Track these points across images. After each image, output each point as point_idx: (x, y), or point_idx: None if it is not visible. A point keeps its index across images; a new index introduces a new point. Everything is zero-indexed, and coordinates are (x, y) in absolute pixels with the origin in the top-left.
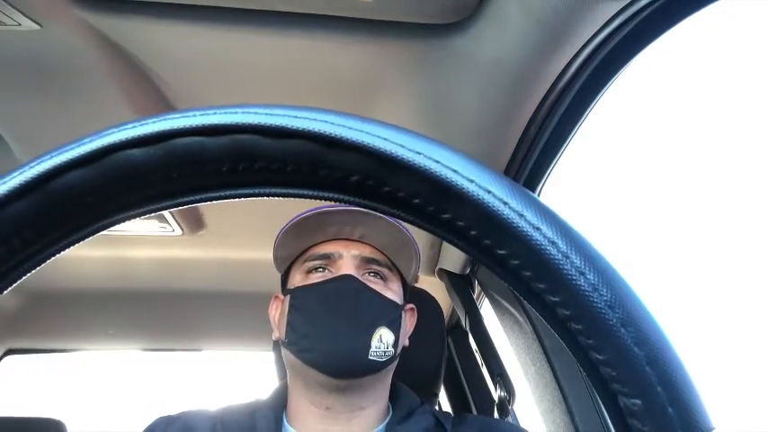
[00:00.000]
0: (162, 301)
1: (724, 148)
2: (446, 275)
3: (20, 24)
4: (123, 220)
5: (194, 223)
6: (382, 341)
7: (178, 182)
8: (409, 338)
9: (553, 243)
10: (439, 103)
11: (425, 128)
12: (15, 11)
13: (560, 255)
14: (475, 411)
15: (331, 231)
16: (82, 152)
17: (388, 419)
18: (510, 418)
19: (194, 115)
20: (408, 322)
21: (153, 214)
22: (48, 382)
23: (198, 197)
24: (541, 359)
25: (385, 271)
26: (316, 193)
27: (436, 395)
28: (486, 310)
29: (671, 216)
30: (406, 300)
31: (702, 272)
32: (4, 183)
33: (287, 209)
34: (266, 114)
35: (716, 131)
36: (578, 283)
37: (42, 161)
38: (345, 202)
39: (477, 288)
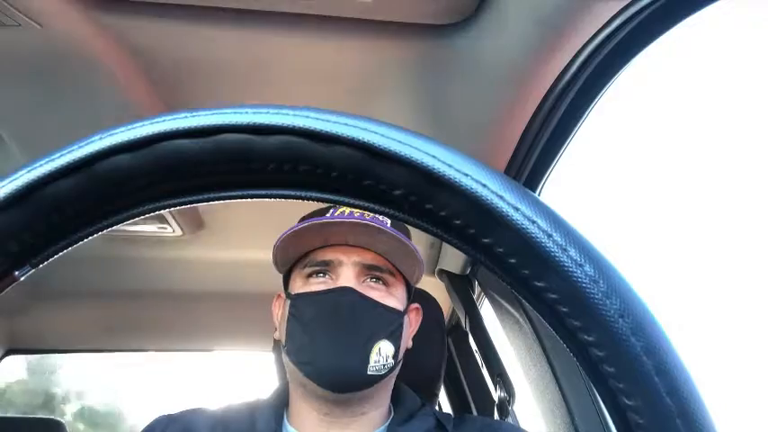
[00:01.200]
0: (161, 302)
1: (724, 147)
2: (446, 276)
3: (20, 24)
4: (160, 209)
5: (194, 223)
6: (381, 354)
7: (223, 176)
8: (412, 337)
9: (596, 282)
10: (439, 103)
11: (426, 128)
12: (15, 11)
13: (588, 278)
14: (475, 412)
15: (333, 238)
16: (134, 136)
17: (389, 421)
18: (510, 419)
19: (246, 113)
20: (413, 322)
21: (153, 215)
22: (49, 383)
23: (238, 193)
24: (542, 360)
25: (387, 276)
26: (354, 202)
27: (436, 395)
28: (486, 310)
29: (671, 215)
30: (410, 300)
31: (702, 271)
32: (51, 161)
33: (287, 209)
34: (317, 119)
35: (716, 131)
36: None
37: (91, 142)
38: (383, 214)
39: (478, 288)
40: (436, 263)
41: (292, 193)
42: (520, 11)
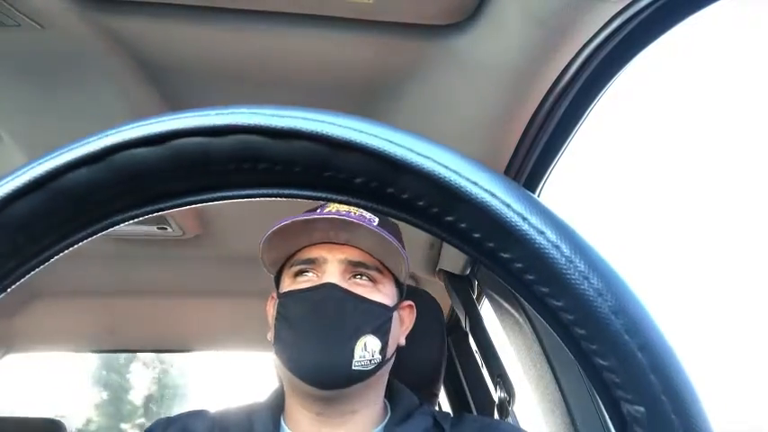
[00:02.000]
0: (162, 302)
1: (724, 147)
2: (446, 276)
3: (20, 25)
4: (126, 220)
5: (194, 224)
6: (367, 349)
7: (184, 181)
8: (409, 339)
9: (557, 247)
10: (439, 104)
11: (425, 128)
12: (16, 11)
13: (564, 259)
14: (475, 412)
15: (316, 236)
16: (88, 150)
17: (385, 421)
18: (510, 419)
19: (200, 115)
20: (405, 320)
21: (153, 215)
22: (49, 383)
23: (203, 197)
24: (542, 360)
25: (373, 273)
26: (319, 195)
27: (436, 396)
28: (486, 310)
29: (671, 215)
30: (402, 298)
31: (702, 271)
32: (8, 182)
33: (287, 210)
34: (271, 116)
35: (715, 131)
36: (583, 287)
37: (46, 160)
38: (349, 204)
39: (477, 289)
40: (436, 263)
41: (257, 192)
42: (520, 11)
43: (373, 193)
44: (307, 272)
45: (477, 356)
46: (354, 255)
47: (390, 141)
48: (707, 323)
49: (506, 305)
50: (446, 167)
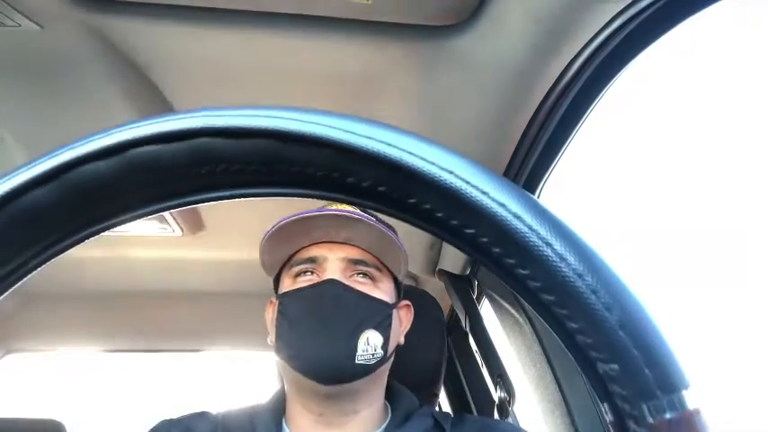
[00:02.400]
0: (162, 302)
1: (724, 148)
2: (446, 276)
3: (20, 25)
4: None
5: (194, 224)
6: (369, 344)
7: (146, 190)
8: (409, 339)
9: (518, 217)
10: (439, 105)
11: (425, 129)
12: (16, 12)
13: (526, 227)
14: (475, 412)
15: (315, 235)
16: (41, 171)
17: (386, 423)
18: (510, 419)
19: (149, 124)
20: (403, 319)
21: (153, 216)
22: (49, 383)
23: (172, 203)
24: (542, 360)
25: (373, 271)
26: (285, 191)
27: (436, 396)
28: (486, 310)
29: (671, 216)
30: (400, 297)
31: (702, 271)
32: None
33: (287, 210)
34: (220, 116)
35: (716, 132)
36: (545, 253)
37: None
38: (313, 197)
39: (477, 289)
40: (436, 263)
41: (219, 194)
42: (520, 12)
43: (333, 183)
44: (307, 272)
45: (477, 356)
46: (354, 253)
47: (335, 128)
48: (708, 323)
49: (506, 305)
50: (403, 150)
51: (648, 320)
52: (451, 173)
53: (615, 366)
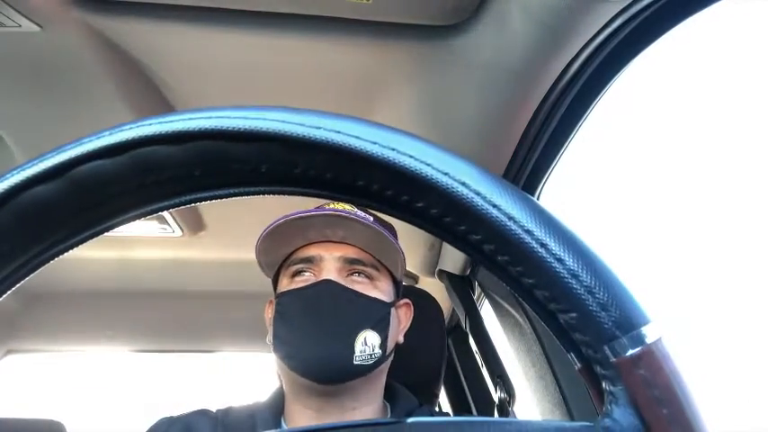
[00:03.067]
0: (162, 302)
1: (724, 148)
2: (446, 276)
3: (20, 26)
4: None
5: (194, 224)
6: (367, 344)
7: (152, 189)
8: (409, 339)
9: (478, 193)
10: (439, 105)
11: (425, 129)
12: (16, 12)
13: (480, 198)
14: (475, 412)
15: (312, 235)
16: (45, 167)
17: None
18: None
19: (156, 123)
20: (403, 318)
21: (153, 216)
22: (49, 383)
23: (174, 202)
24: (542, 360)
25: (370, 270)
26: (297, 190)
27: (436, 396)
28: (487, 311)
29: (671, 216)
30: (399, 296)
31: (702, 271)
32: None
33: (287, 209)
34: (230, 118)
35: (716, 132)
36: (491, 213)
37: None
38: (322, 197)
39: (478, 289)
40: (436, 264)
41: (224, 192)
42: (520, 12)
43: (335, 183)
44: (304, 271)
45: (478, 357)
46: (351, 252)
47: (339, 132)
48: (709, 323)
49: (506, 305)
50: (399, 152)
51: (601, 265)
52: (437, 170)
53: (573, 314)
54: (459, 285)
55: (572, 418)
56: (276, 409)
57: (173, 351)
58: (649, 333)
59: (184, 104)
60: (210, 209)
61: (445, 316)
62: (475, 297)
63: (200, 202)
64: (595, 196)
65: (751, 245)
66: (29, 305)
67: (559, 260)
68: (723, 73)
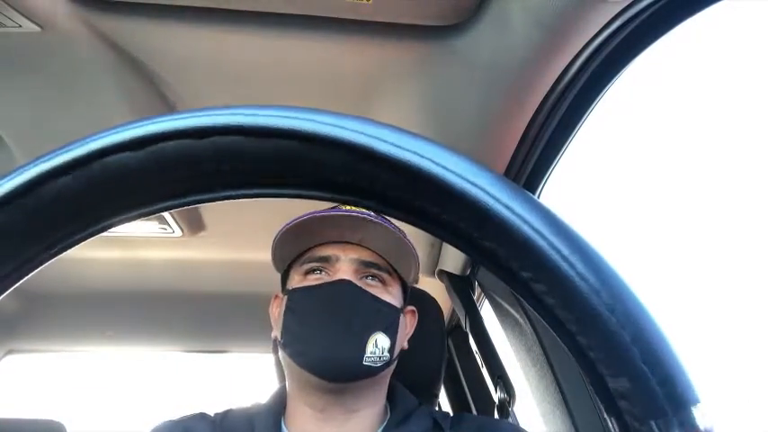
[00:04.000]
0: (162, 302)
1: (724, 148)
2: (446, 276)
3: (20, 26)
4: (119, 223)
5: (194, 224)
6: (378, 346)
7: (170, 185)
8: (410, 339)
9: (538, 232)
10: (439, 105)
11: (426, 129)
12: (16, 12)
13: (547, 244)
14: (475, 412)
15: (332, 234)
16: (69, 158)
17: (385, 422)
18: (510, 420)
19: (182, 118)
20: (408, 324)
21: (153, 216)
22: (49, 383)
23: (187, 200)
24: (542, 361)
25: (384, 275)
26: (304, 193)
27: (436, 396)
28: (487, 311)
29: (671, 216)
30: (407, 302)
31: (703, 271)
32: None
33: (287, 210)
34: (249, 115)
35: (716, 132)
36: (564, 268)
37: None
38: (336, 201)
39: (478, 289)
40: (436, 263)
41: (235, 192)
42: (520, 12)
43: (349, 186)
44: (318, 270)
45: (478, 357)
46: (367, 255)
47: (362, 133)
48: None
49: (506, 306)
50: (424, 157)
51: (661, 336)
52: (482, 188)
53: (625, 382)
54: (459, 285)
55: (572, 418)
56: (276, 411)
57: (173, 351)
58: (699, 416)
59: (185, 104)
60: (210, 209)
61: (445, 316)
62: (475, 297)
63: (219, 200)
64: (596, 196)
65: (751, 245)
66: (29, 305)
67: (622, 326)
68: (723, 73)
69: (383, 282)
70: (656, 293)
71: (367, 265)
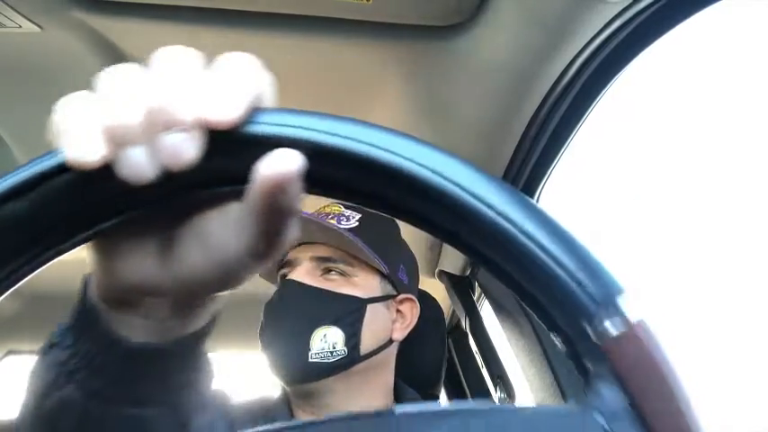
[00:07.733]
0: None
1: (724, 148)
2: (446, 277)
3: (20, 26)
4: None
5: None
6: (327, 341)
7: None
8: (410, 340)
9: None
10: (438, 106)
11: (425, 130)
12: (16, 13)
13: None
14: None
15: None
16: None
17: None
18: None
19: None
20: (407, 314)
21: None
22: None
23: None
24: (542, 361)
25: (343, 267)
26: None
27: (437, 397)
28: (487, 311)
29: (671, 216)
30: (397, 290)
31: (703, 272)
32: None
33: None
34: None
35: (716, 132)
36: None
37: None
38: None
39: (478, 290)
40: (436, 264)
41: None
42: (519, 13)
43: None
44: (286, 275)
45: (478, 357)
46: (322, 251)
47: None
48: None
49: (506, 306)
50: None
51: (568, 238)
52: (399, 155)
53: (548, 291)
54: (459, 286)
55: None
56: (286, 404)
57: None
58: (627, 307)
59: None
60: None
61: (445, 316)
62: (475, 297)
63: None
64: (595, 196)
65: (751, 245)
66: (29, 305)
67: (530, 238)
68: (723, 73)
69: (344, 274)
70: (657, 294)
71: (322, 260)
